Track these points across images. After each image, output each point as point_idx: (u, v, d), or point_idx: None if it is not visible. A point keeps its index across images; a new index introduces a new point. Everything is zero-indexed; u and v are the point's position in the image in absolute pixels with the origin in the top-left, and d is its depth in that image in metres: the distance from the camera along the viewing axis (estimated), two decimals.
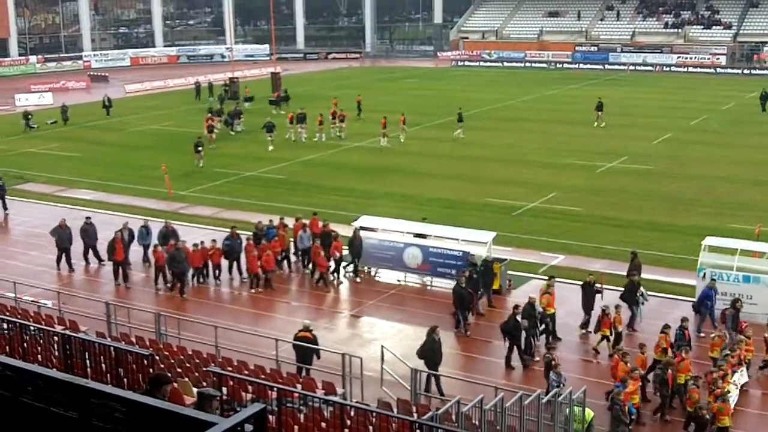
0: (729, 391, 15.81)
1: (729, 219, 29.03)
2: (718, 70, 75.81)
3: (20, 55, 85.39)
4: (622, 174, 36.35)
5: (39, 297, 21.48)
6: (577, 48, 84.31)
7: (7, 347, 12.92)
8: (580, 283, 21.60)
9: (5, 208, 31.81)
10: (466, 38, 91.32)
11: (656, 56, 79.78)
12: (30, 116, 49.25)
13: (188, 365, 15.08)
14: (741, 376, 17.22)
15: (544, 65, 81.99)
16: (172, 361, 15.25)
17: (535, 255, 26.01)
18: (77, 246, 25.88)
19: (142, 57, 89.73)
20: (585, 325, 20.68)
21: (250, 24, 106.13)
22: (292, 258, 25.59)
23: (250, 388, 12.23)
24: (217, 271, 24.45)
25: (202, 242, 24.42)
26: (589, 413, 15.55)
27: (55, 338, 12.46)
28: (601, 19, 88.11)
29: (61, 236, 25.54)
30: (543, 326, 19.95)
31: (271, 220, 25.91)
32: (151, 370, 10.76)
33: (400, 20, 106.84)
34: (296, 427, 11.69)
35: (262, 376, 14.58)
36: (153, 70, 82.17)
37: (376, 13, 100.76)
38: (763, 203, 31.22)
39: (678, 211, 30.56)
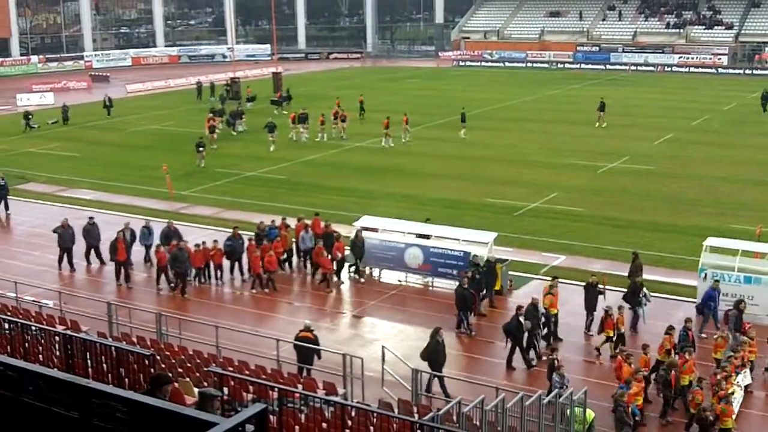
0: (733, 393, 15.78)
1: (730, 219, 29.00)
2: (720, 70, 75.79)
3: (22, 54, 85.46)
4: (624, 174, 36.33)
5: (40, 297, 21.49)
6: (578, 48, 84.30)
7: (9, 347, 12.92)
8: (582, 283, 21.61)
9: (6, 208, 31.81)
10: (468, 38, 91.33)
11: (658, 56, 79.77)
12: (30, 116, 49.28)
13: (189, 365, 15.08)
14: (744, 378, 17.19)
15: (545, 65, 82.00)
16: (173, 361, 15.25)
17: (536, 255, 26.00)
18: (79, 246, 25.87)
19: (144, 57, 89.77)
20: (591, 326, 20.66)
21: (251, 24, 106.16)
22: (294, 259, 25.59)
23: (251, 388, 12.23)
24: (218, 272, 24.44)
25: (203, 242, 24.43)
26: (590, 414, 15.54)
27: (57, 338, 12.46)
28: (603, 19, 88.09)
29: (64, 236, 25.53)
30: (552, 326, 19.91)
31: (273, 221, 25.90)
32: (152, 370, 10.76)
33: (401, 20, 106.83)
34: (297, 427, 11.68)
35: (263, 377, 14.58)
36: (154, 70, 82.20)
37: (377, 13, 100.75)
38: (765, 204, 31.20)
39: (679, 212, 30.54)
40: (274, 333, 18.92)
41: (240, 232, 25.01)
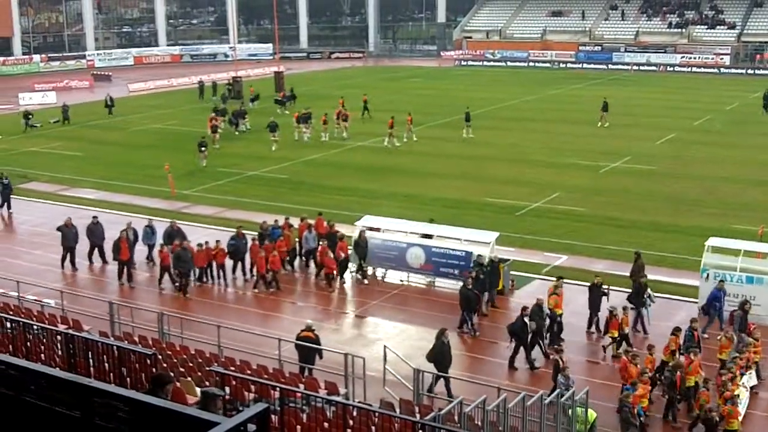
0: (738, 394, 15.74)
1: (732, 220, 28.97)
2: (722, 70, 75.74)
3: (24, 54, 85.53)
4: (626, 174, 36.31)
5: (42, 296, 21.51)
6: (580, 48, 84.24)
7: (11, 346, 12.93)
8: (583, 283, 21.59)
9: (9, 208, 31.84)
10: (470, 38, 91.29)
11: (660, 56, 79.72)
12: (30, 116, 49.27)
13: (191, 365, 15.09)
14: (750, 379, 17.14)
15: (547, 65, 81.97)
16: (175, 360, 15.25)
17: (538, 255, 25.99)
18: (82, 245, 25.87)
19: (146, 56, 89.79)
20: (592, 326, 20.63)
21: (253, 23, 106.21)
22: (297, 259, 25.56)
23: (252, 387, 12.23)
24: (221, 272, 24.42)
25: (206, 242, 24.41)
26: (592, 414, 15.53)
27: (59, 337, 12.47)
28: (605, 19, 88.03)
29: (67, 235, 25.53)
30: (555, 327, 19.88)
31: (276, 221, 25.89)
32: (154, 369, 10.76)
33: (403, 20, 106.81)
34: (299, 427, 11.68)
35: (265, 376, 14.58)
36: (156, 69, 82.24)
37: (379, 12, 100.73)
38: (767, 204, 31.16)
39: (681, 212, 30.52)
40: (276, 333, 18.92)
41: (244, 231, 25.00)
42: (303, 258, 25.48)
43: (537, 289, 23.03)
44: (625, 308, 19.66)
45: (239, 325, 20.05)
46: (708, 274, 21.35)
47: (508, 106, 56.41)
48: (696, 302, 21.72)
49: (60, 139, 46.70)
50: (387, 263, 24.76)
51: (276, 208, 30.02)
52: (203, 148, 38.63)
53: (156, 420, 6.12)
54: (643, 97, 59.28)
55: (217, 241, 24.44)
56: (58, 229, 25.70)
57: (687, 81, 69.96)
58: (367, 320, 22.14)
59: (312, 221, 25.62)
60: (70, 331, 13.27)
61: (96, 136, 48.06)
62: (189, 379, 13.87)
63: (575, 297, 21.50)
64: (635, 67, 77.52)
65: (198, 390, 12.38)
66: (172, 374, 13.77)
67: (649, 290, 20.68)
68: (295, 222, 25.70)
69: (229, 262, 24.45)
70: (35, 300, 20.94)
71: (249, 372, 14.85)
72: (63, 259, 25.61)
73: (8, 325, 13.24)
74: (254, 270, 24.23)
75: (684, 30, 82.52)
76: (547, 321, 19.72)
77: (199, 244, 24.22)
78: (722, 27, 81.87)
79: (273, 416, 11.05)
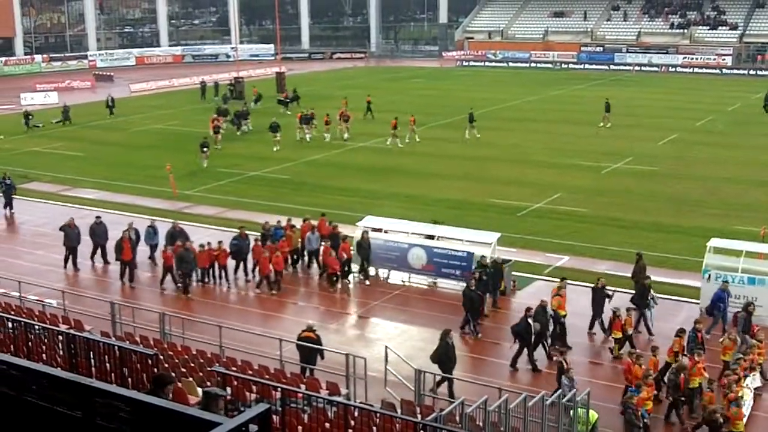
0: (742, 396, 15.70)
1: (734, 220, 28.94)
2: (724, 70, 75.69)
3: (26, 54, 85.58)
4: (628, 175, 36.28)
5: (44, 296, 21.52)
6: (582, 48, 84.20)
7: (12, 346, 12.93)
8: (584, 284, 21.56)
9: (11, 208, 31.85)
10: (471, 38, 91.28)
11: (662, 57, 79.68)
12: (30, 116, 49.25)
13: (192, 365, 15.08)
14: (754, 381, 17.10)
15: (549, 65, 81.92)
16: (177, 360, 15.25)
17: (539, 256, 25.97)
18: (84, 245, 25.85)
19: (147, 56, 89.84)
20: (593, 327, 20.59)
21: (255, 24, 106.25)
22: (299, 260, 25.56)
23: (254, 388, 12.22)
24: (223, 272, 24.40)
25: (208, 243, 24.40)
26: (593, 415, 15.52)
27: (60, 337, 12.46)
28: (607, 20, 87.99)
29: (70, 235, 25.52)
30: (558, 328, 19.85)
31: (278, 221, 25.88)
32: (155, 369, 10.76)
33: (405, 20, 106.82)
34: (300, 427, 11.67)
35: (266, 376, 14.57)
36: (158, 69, 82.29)
37: (381, 12, 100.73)
38: None
39: (683, 213, 30.49)
40: (278, 333, 18.91)
41: (247, 232, 24.98)
42: (306, 259, 25.42)
43: (538, 290, 23.01)
44: (628, 309, 19.63)
45: (241, 326, 20.05)
46: (709, 275, 21.33)
47: (510, 107, 56.39)
48: (698, 303, 21.71)
49: (62, 139, 46.73)
50: (388, 264, 24.75)
51: (277, 209, 30.02)
52: (205, 149, 38.64)
53: (157, 420, 6.12)
54: (645, 98, 59.24)
55: (220, 242, 24.41)
56: (61, 229, 25.70)
57: (689, 82, 69.93)
58: (369, 321, 22.13)
59: (315, 222, 25.59)
60: (72, 331, 13.27)
61: (98, 136, 48.09)
62: (190, 379, 13.87)
63: (576, 298, 21.47)
64: (637, 68, 77.48)
65: (199, 390, 12.38)
66: (173, 374, 13.77)
67: (652, 291, 20.64)
68: (298, 222, 25.68)
69: (231, 263, 24.43)
70: (37, 300, 20.95)
71: (250, 372, 14.85)
72: (66, 260, 25.61)
73: (10, 325, 13.24)
74: (257, 270, 24.24)
75: (686, 31, 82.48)
76: (551, 322, 19.68)
77: (201, 245, 24.21)
78: (724, 28, 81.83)
79: (274, 417, 11.04)
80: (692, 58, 78.23)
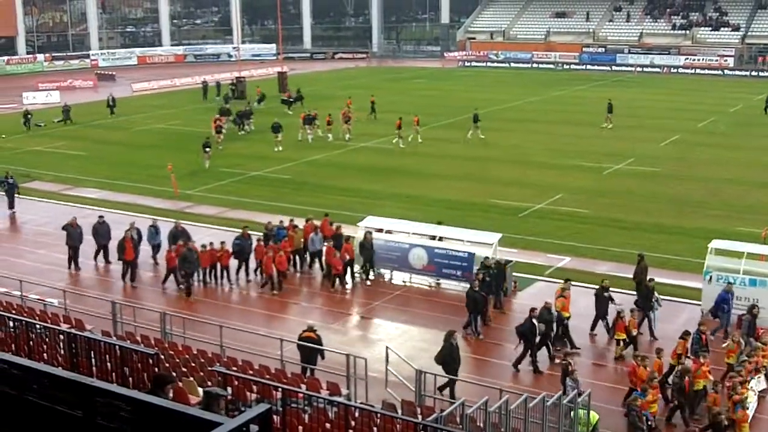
0: (747, 398, 15.67)
1: (736, 222, 28.92)
2: (726, 72, 75.64)
3: (28, 53, 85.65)
4: (629, 176, 36.26)
5: (45, 295, 21.53)
6: (584, 49, 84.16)
7: (13, 345, 12.94)
8: (585, 285, 21.53)
9: (12, 207, 31.86)
10: (473, 39, 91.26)
11: (664, 58, 79.64)
12: (30, 115, 49.24)
13: (193, 365, 15.09)
14: (758, 383, 17.06)
15: (551, 66, 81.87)
16: (177, 360, 15.25)
17: (541, 257, 25.96)
18: (87, 245, 25.83)
19: (149, 56, 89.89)
20: (595, 328, 20.57)
21: (257, 23, 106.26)
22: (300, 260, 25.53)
23: (254, 388, 12.22)
24: (225, 273, 24.36)
25: (211, 243, 24.38)
26: (594, 416, 15.50)
27: (61, 337, 12.47)
28: (610, 20, 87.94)
29: (72, 234, 25.51)
30: (560, 330, 19.82)
31: (281, 221, 25.86)
32: (156, 369, 10.76)
33: (407, 20, 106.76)
34: (301, 427, 11.68)
35: (267, 376, 14.57)
36: (160, 69, 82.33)
37: (383, 13, 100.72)
38: None
39: (685, 214, 30.46)
40: (279, 333, 18.91)
41: (249, 232, 24.96)
42: (308, 259, 25.35)
43: (539, 290, 23.02)
44: (632, 310, 19.59)
45: (241, 325, 20.05)
46: (711, 277, 21.30)
47: (512, 108, 56.38)
48: (699, 304, 21.68)
49: (64, 138, 46.76)
50: (389, 264, 24.74)
51: (279, 209, 30.02)
52: (207, 149, 38.64)
53: (158, 420, 6.12)
54: (647, 99, 59.21)
55: (222, 242, 24.38)
56: (64, 228, 25.70)
57: (691, 83, 69.89)
58: (370, 321, 22.13)
59: (318, 222, 25.56)
60: (73, 331, 13.29)
61: (99, 135, 48.11)
62: (191, 379, 13.87)
63: (578, 299, 21.45)
64: (639, 69, 77.43)
65: (200, 390, 12.38)
66: (174, 374, 13.78)
67: (656, 293, 20.60)
68: (300, 223, 25.65)
69: (233, 263, 24.41)
70: (38, 299, 20.95)
71: (251, 372, 14.85)
72: (69, 259, 25.59)
73: (11, 324, 13.25)
74: (259, 271, 24.23)
75: (688, 32, 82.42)
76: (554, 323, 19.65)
77: (203, 245, 24.20)
78: (726, 29, 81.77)
79: (275, 417, 11.04)
80: (694, 59, 78.18)
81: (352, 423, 11.56)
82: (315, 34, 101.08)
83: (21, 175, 35.41)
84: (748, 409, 15.41)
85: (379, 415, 11.59)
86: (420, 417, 13.20)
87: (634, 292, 21.63)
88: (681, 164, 38.38)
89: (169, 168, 33.98)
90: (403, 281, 24.57)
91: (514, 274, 23.59)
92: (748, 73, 74.85)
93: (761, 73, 73.96)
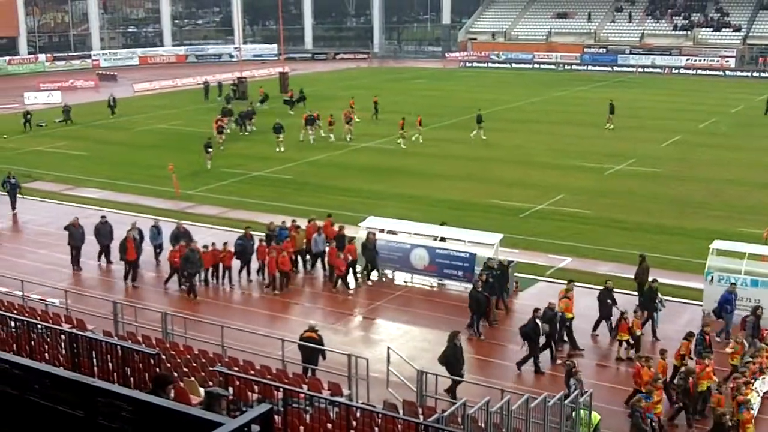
0: (750, 399, 15.64)
1: (738, 222, 28.90)
2: (727, 72, 75.61)
3: (29, 53, 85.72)
4: (631, 176, 36.25)
5: (46, 295, 21.52)
6: (585, 50, 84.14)
7: (15, 345, 12.94)
8: (587, 285, 21.49)
9: (14, 207, 31.86)
10: (475, 39, 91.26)
11: (665, 58, 79.62)
12: (29, 116, 49.25)
13: (194, 365, 15.08)
14: (763, 384, 17.03)
15: (552, 67, 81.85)
16: (179, 360, 15.25)
17: (542, 257, 25.95)
18: (88, 245, 25.83)
19: (151, 56, 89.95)
20: (597, 328, 20.55)
21: (258, 24, 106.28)
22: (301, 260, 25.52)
23: (256, 388, 12.21)
24: (227, 273, 24.34)
25: (213, 244, 24.36)
26: (596, 416, 15.48)
27: (62, 337, 12.47)
28: (611, 21, 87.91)
29: (74, 235, 25.51)
30: (564, 331, 19.79)
31: (283, 222, 25.85)
32: (157, 369, 10.76)
33: (408, 21, 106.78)
34: (302, 427, 11.67)
35: (268, 377, 14.57)
36: (161, 69, 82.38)
37: (384, 13, 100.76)
38: None
39: (686, 214, 30.45)
40: (281, 333, 18.91)
41: (252, 232, 24.94)
42: (311, 259, 25.33)
43: (541, 291, 23.01)
44: (635, 311, 19.56)
45: (243, 326, 20.05)
46: (712, 277, 21.29)
47: (513, 108, 56.37)
48: (701, 305, 21.67)
49: (65, 138, 46.78)
50: (391, 264, 24.73)
51: (280, 209, 30.03)
52: (210, 150, 38.63)
53: (159, 420, 6.12)
54: (648, 100, 59.20)
55: (225, 243, 24.34)
56: (66, 228, 25.70)
57: (692, 83, 69.88)
58: (371, 321, 22.11)
59: (321, 223, 25.54)
60: (74, 331, 13.29)
61: (101, 135, 48.14)
62: (192, 379, 13.87)
63: (579, 299, 21.40)
64: (640, 70, 77.41)
65: (202, 390, 12.38)
66: (175, 374, 13.79)
67: (659, 294, 20.57)
68: (303, 223, 25.63)
69: (235, 264, 24.39)
70: (39, 299, 20.95)
71: (252, 372, 14.84)
72: (73, 259, 25.58)
73: (12, 324, 13.26)
74: (262, 271, 24.22)
75: (689, 32, 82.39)
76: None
77: (205, 246, 24.17)
78: (728, 29, 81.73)
79: (276, 417, 11.04)
80: (696, 60, 78.17)
81: (354, 423, 11.56)
82: (316, 34, 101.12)
83: (22, 175, 35.39)
84: (752, 410, 15.38)
85: (380, 415, 11.59)
86: (421, 417, 13.19)
87: (635, 293, 21.62)
88: (682, 165, 38.37)
89: (171, 168, 33.99)
90: (405, 281, 24.56)
91: (515, 274, 23.56)
92: (749, 73, 74.85)
93: (762, 74, 73.97)
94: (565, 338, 19.94)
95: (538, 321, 18.71)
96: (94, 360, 11.43)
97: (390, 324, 21.83)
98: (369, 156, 40.99)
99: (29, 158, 41.28)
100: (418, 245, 24.21)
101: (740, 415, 15.00)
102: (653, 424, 15.42)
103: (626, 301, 20.99)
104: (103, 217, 26.56)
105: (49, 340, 12.81)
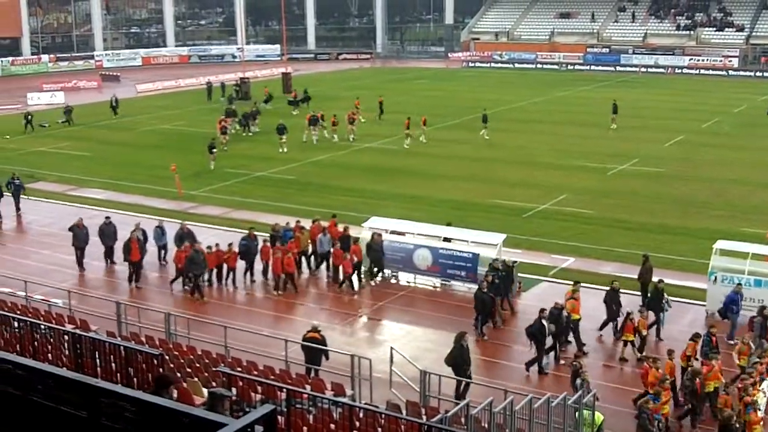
0: (757, 400, 15.59)
1: (741, 222, 28.86)
2: (730, 72, 75.50)
3: (32, 54, 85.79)
4: (634, 176, 36.21)
5: (50, 296, 21.54)
6: (588, 49, 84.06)
7: (18, 346, 12.96)
8: (589, 286, 21.45)
9: (18, 208, 31.89)
10: (477, 39, 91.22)
11: (668, 58, 79.50)
12: (30, 117, 49.23)
13: (198, 365, 15.08)
14: None
15: (555, 66, 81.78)
16: (182, 360, 15.25)
17: (545, 257, 25.92)
18: (91, 246, 25.83)
19: (154, 57, 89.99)
20: (603, 329, 20.50)
21: (261, 24, 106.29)
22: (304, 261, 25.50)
23: (259, 388, 12.22)
24: (231, 274, 24.30)
25: (216, 244, 24.35)
26: (599, 417, 15.46)
27: (66, 337, 12.48)
28: (614, 21, 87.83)
29: (78, 235, 25.52)
30: (569, 331, 19.75)
31: (287, 222, 25.83)
32: (160, 369, 10.77)
33: (411, 21, 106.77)
34: (305, 428, 11.67)
35: (272, 377, 14.57)
36: (164, 69, 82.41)
37: (387, 13, 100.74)
38: None
39: (689, 214, 30.41)
40: (284, 334, 18.91)
41: (256, 233, 24.93)
42: (316, 260, 25.31)
43: (544, 291, 22.99)
44: (641, 311, 19.54)
45: (246, 326, 20.04)
46: (716, 277, 21.27)
47: (516, 108, 56.33)
48: (704, 305, 21.64)
49: (68, 139, 46.83)
50: (394, 264, 24.72)
51: (283, 209, 30.04)
52: (214, 150, 38.63)
53: (163, 421, 6.12)
54: (651, 99, 59.13)
55: (230, 245, 24.31)
56: (70, 229, 25.72)
57: (695, 83, 69.80)
58: (374, 322, 22.11)
59: (325, 223, 25.52)
60: (78, 331, 13.30)
61: (104, 136, 48.18)
62: (196, 379, 13.88)
63: (583, 300, 21.37)
64: (643, 69, 77.31)
65: (205, 391, 12.39)
66: (178, 375, 13.80)
67: (665, 295, 20.53)
68: (307, 224, 25.61)
69: (239, 265, 24.35)
70: (43, 300, 20.97)
71: (256, 373, 14.84)
72: (77, 260, 25.59)
73: (16, 324, 13.28)
74: (266, 272, 24.19)
75: (692, 32, 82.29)
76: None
77: (209, 246, 24.16)
78: (731, 29, 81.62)
79: (280, 417, 11.04)
80: (698, 60, 78.04)
81: (357, 423, 11.56)
82: (319, 34, 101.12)
83: (25, 176, 35.41)
84: (759, 410, 15.34)
85: (383, 415, 11.59)
86: (425, 418, 13.18)
87: (639, 293, 21.59)
88: (685, 165, 38.32)
89: (173, 168, 34.01)
90: (408, 282, 24.56)
91: (518, 274, 23.54)
92: (752, 73, 74.71)
93: (765, 74, 73.83)
94: (570, 339, 19.90)
95: (544, 321, 18.68)
96: (98, 360, 11.45)
97: (393, 324, 21.82)
98: (372, 156, 40.99)
99: (32, 159, 41.32)
100: (421, 245, 24.20)
101: (747, 416, 14.94)
102: (660, 425, 15.38)
103: (630, 301, 20.96)
104: (107, 218, 26.57)
105: (52, 340, 12.83)
